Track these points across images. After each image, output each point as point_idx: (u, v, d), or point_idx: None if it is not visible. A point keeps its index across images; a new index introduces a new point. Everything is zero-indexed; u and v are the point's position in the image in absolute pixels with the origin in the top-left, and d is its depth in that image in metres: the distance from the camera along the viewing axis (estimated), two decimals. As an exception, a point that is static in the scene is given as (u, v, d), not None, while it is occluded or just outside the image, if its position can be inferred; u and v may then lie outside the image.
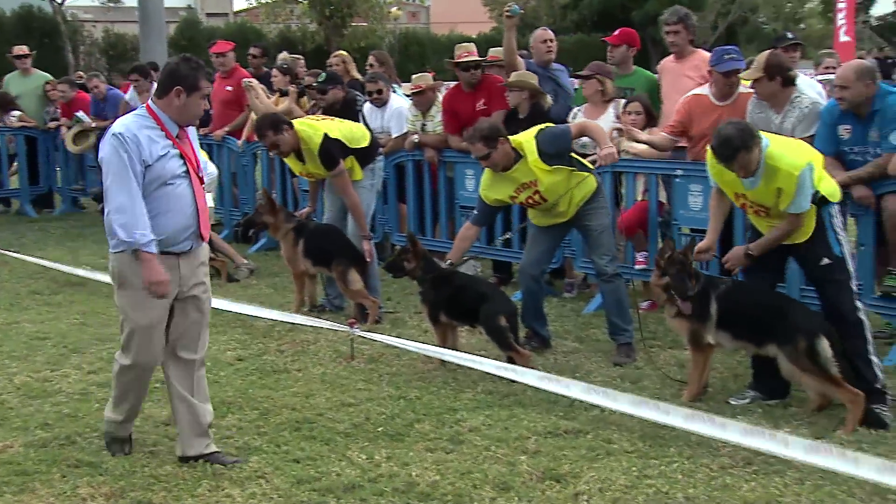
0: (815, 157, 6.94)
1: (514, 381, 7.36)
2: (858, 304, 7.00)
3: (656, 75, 10.49)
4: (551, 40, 11.09)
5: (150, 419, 6.94)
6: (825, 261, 6.95)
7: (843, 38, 19.48)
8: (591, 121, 9.09)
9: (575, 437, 6.53)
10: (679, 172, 9.32)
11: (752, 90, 8.56)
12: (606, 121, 9.52)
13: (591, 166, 8.31)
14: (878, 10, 62.05)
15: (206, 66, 6.27)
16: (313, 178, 10.08)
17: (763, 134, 6.80)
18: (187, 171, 6.07)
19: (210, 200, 11.67)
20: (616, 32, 10.74)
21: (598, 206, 8.43)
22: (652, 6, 46.69)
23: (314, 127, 9.46)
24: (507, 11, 10.41)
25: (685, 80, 9.70)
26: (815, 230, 6.94)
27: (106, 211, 5.88)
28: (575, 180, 8.15)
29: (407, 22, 68.73)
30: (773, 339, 6.85)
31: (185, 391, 6.24)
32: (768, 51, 8.71)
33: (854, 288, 7.07)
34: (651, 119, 9.70)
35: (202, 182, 6.22)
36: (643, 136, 9.14)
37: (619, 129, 9.17)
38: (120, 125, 5.92)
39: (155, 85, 7.48)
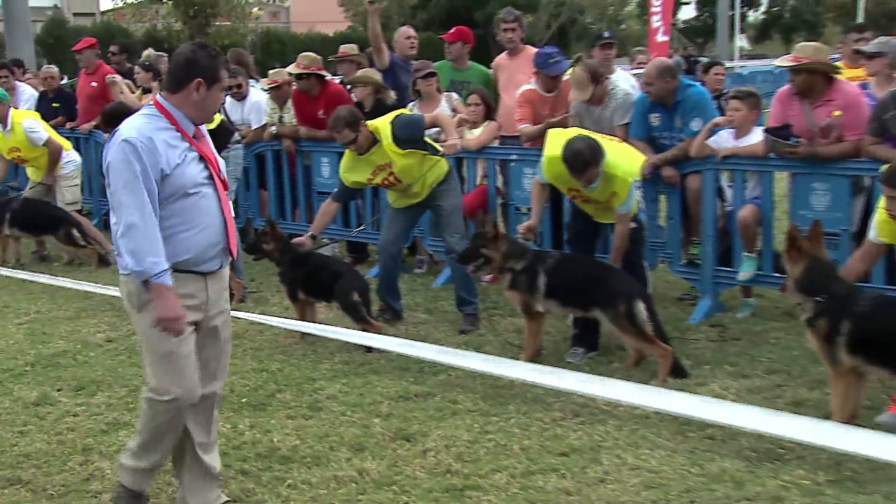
0: (639, 160, 7.37)
1: (369, 351, 7.42)
2: (646, 262, 7.38)
3: (492, 70, 10.59)
4: (414, 37, 11.15)
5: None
6: (632, 225, 7.22)
7: (661, 38, 19.94)
8: (443, 113, 9.15)
9: (424, 400, 6.58)
10: (514, 157, 9.50)
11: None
12: (440, 111, 9.53)
13: (441, 150, 8.36)
14: (683, 15, 64.99)
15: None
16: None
17: (600, 142, 7.01)
18: (210, 177, 4.77)
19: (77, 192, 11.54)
20: (452, 31, 10.79)
21: (449, 188, 8.49)
22: (493, 7, 47.00)
23: None
24: (369, 1, 10.53)
25: (519, 75, 9.80)
26: None
27: (114, 229, 4.62)
28: (428, 164, 8.19)
29: (268, 21, 67.94)
30: (596, 304, 7.03)
31: (201, 433, 5.02)
32: (582, 66, 8.72)
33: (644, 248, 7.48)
34: (489, 110, 9.78)
35: (226, 187, 4.96)
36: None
37: (465, 119, 9.35)
38: (130, 128, 4.57)
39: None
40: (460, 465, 5.57)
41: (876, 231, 6.17)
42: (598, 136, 7.14)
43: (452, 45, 10.68)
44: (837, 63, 9.16)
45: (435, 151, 8.27)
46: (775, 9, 66.75)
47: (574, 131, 7.34)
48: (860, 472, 5.28)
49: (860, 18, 37.73)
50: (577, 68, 8.52)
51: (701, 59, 14.23)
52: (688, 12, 66.30)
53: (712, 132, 8.30)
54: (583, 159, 6.83)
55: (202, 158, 4.74)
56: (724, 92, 9.67)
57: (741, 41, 47.93)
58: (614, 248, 7.39)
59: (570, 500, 5.14)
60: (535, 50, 9.82)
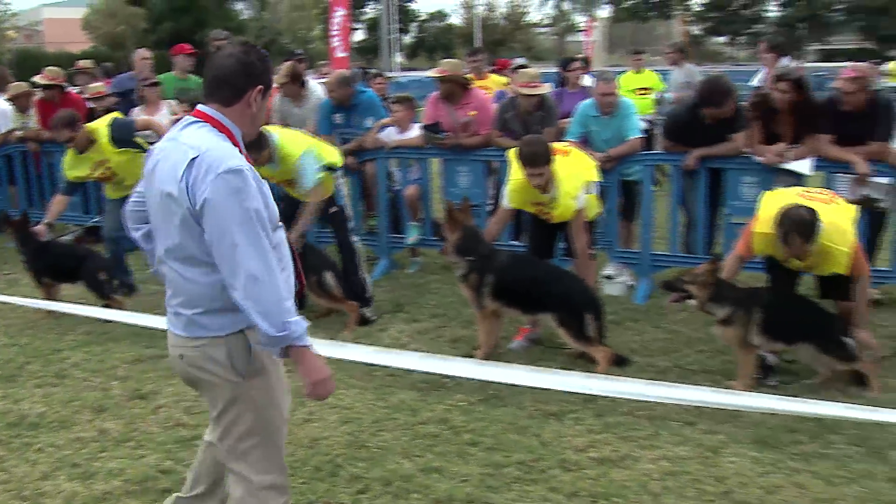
0: (313, 144, 6.66)
1: (108, 321, 6.55)
2: (354, 237, 6.92)
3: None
4: (149, 57, 10.25)
5: None
6: (334, 209, 6.77)
7: (341, 54, 19.63)
8: (155, 119, 8.43)
9: (156, 362, 5.93)
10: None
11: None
12: (162, 116, 8.84)
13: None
14: (357, 37, 65.91)
15: None
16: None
17: (275, 130, 6.45)
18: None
19: None
20: (176, 48, 10.21)
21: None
22: (212, 28, 45.30)
23: None
24: None
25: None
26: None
27: (222, 282, 2.82)
28: (140, 160, 7.45)
29: (24, 42, 62.45)
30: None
31: None
32: (289, 62, 8.46)
33: (351, 226, 6.97)
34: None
35: None
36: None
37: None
38: (226, 153, 2.80)
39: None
40: (188, 417, 5.05)
41: (507, 199, 6.11)
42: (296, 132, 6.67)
43: (176, 59, 10.09)
44: (468, 76, 9.18)
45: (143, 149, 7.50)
46: (423, 34, 68.52)
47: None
48: (501, 391, 5.21)
49: (477, 43, 39.92)
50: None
51: (370, 70, 14.09)
52: (359, 35, 67.24)
53: (381, 129, 8.09)
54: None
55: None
56: (387, 97, 9.49)
57: (399, 57, 48.80)
58: (295, 227, 6.56)
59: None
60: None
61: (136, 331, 6.38)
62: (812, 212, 4.91)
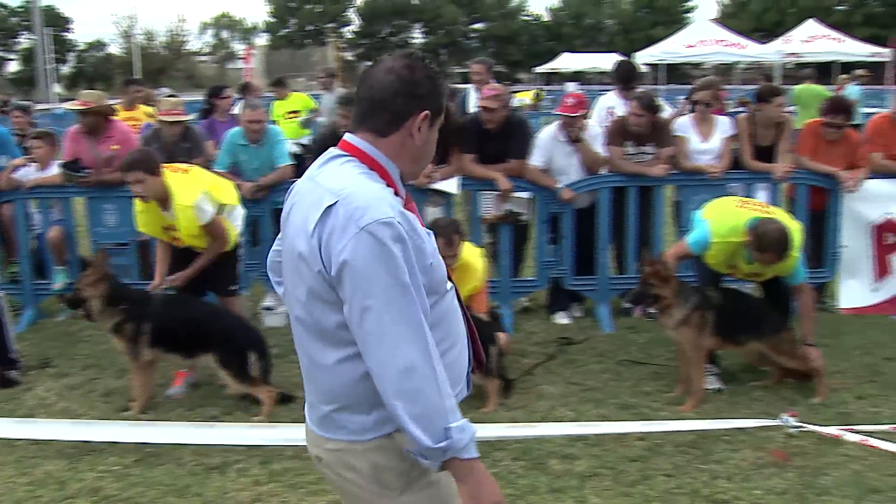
0: None
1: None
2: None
3: None
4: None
5: None
6: None
7: None
8: None
9: None
10: None
11: None
12: None
13: None
14: (11, 68, 60.35)
15: None
16: None
17: None
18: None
19: None
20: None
21: None
22: None
23: None
24: None
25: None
26: None
27: (366, 370, 1.96)
28: None
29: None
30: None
31: None
32: None
33: None
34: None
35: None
36: None
37: None
38: (374, 198, 1.94)
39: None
40: None
41: (137, 223, 5.57)
42: None
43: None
44: (117, 106, 8.32)
45: None
46: (82, 64, 63.74)
47: None
48: (159, 449, 4.52)
49: (137, 73, 37.99)
50: None
51: (9, 102, 12.55)
52: (14, 66, 61.22)
53: (16, 169, 7.06)
54: None
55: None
56: (25, 133, 8.31)
57: (58, 88, 44.97)
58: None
59: None
60: None
61: None
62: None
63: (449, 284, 2.15)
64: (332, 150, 2.11)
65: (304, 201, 2.06)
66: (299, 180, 2.18)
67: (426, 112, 2.06)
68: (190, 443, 4.33)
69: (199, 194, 5.28)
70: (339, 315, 1.98)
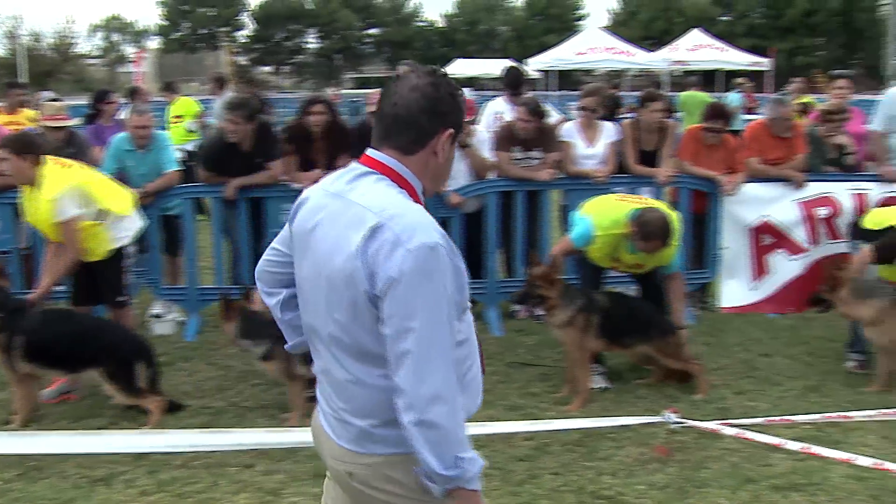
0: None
1: None
2: None
3: None
4: None
5: None
6: None
7: None
8: None
9: None
10: None
11: None
12: None
13: None
14: None
15: None
16: None
17: None
18: None
19: None
20: None
21: None
22: None
23: None
24: None
25: None
26: None
27: (389, 386, 1.96)
28: None
29: None
30: None
31: None
32: None
33: None
34: None
35: None
36: None
37: None
38: (420, 220, 1.97)
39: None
40: None
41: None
42: None
43: None
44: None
45: None
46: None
47: None
48: (42, 461, 4.38)
49: (23, 75, 36.49)
50: None
51: None
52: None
53: None
54: None
55: None
56: None
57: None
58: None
59: None
60: None
61: None
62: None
63: (468, 310, 2.17)
64: (357, 166, 2.11)
65: (337, 219, 2.04)
66: (317, 195, 2.15)
67: (450, 130, 2.09)
68: (75, 452, 4.20)
69: (65, 189, 5.05)
70: (381, 332, 1.98)
